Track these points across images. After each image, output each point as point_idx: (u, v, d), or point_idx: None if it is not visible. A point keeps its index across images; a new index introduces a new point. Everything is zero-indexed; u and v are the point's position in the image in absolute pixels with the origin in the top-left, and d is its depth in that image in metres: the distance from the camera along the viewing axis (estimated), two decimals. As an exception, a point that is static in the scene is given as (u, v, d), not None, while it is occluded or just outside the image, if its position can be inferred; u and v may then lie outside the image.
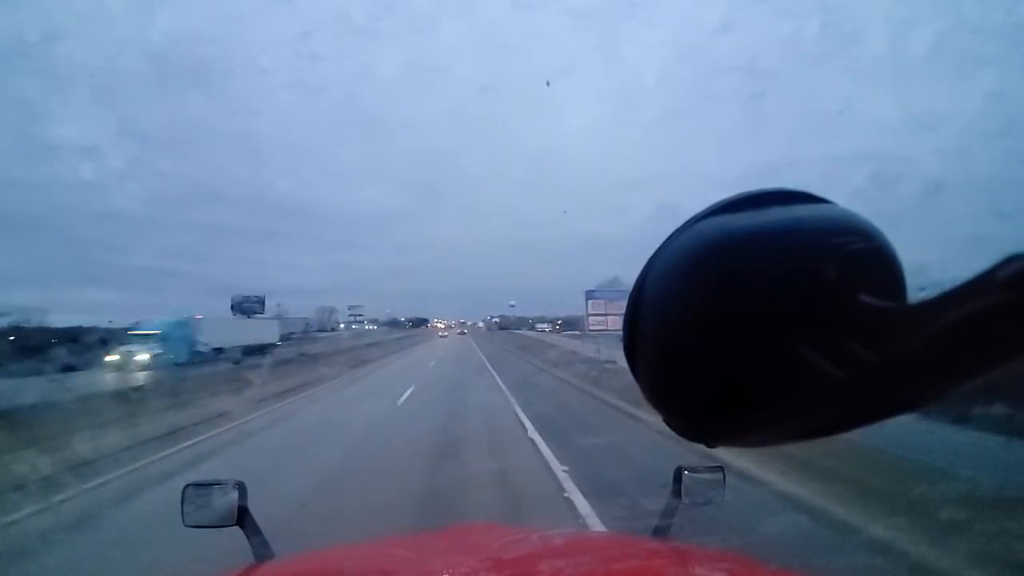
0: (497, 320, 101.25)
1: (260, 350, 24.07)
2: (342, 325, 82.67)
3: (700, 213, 0.32)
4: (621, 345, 0.35)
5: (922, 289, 0.27)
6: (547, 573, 0.95)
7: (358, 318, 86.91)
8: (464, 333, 74.99)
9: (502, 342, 37.19)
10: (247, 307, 49.97)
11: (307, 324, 68.77)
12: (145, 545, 3.24)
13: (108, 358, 16.11)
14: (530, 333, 50.70)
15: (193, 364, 17.23)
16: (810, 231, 0.28)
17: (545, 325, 74.29)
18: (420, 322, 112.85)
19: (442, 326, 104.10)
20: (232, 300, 50.57)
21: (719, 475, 1.19)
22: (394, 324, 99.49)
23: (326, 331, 68.17)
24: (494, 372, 15.16)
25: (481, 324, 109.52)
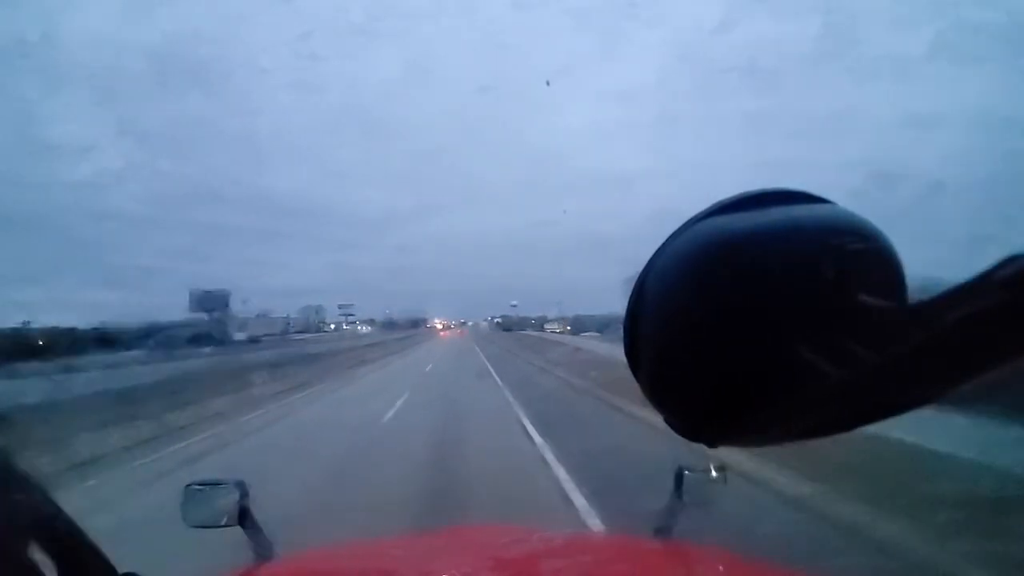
0: (499, 320, 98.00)
1: None
2: (332, 326, 76.47)
3: (700, 213, 0.32)
4: None
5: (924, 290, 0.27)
6: (547, 573, 0.95)
7: (350, 318, 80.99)
8: (464, 332, 74.18)
9: (509, 345, 31.61)
10: (208, 304, 42.82)
11: (287, 325, 63.20)
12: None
13: None
14: (534, 334, 47.11)
15: None
16: (810, 231, 0.28)
17: (555, 325, 69.94)
18: (419, 322, 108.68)
19: (440, 326, 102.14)
20: (190, 295, 42.78)
21: (720, 475, 1.19)
22: (390, 324, 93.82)
23: (310, 332, 62.43)
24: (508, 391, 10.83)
25: (484, 324, 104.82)
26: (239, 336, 40.64)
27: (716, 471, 1.20)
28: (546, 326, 73.94)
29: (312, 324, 71.78)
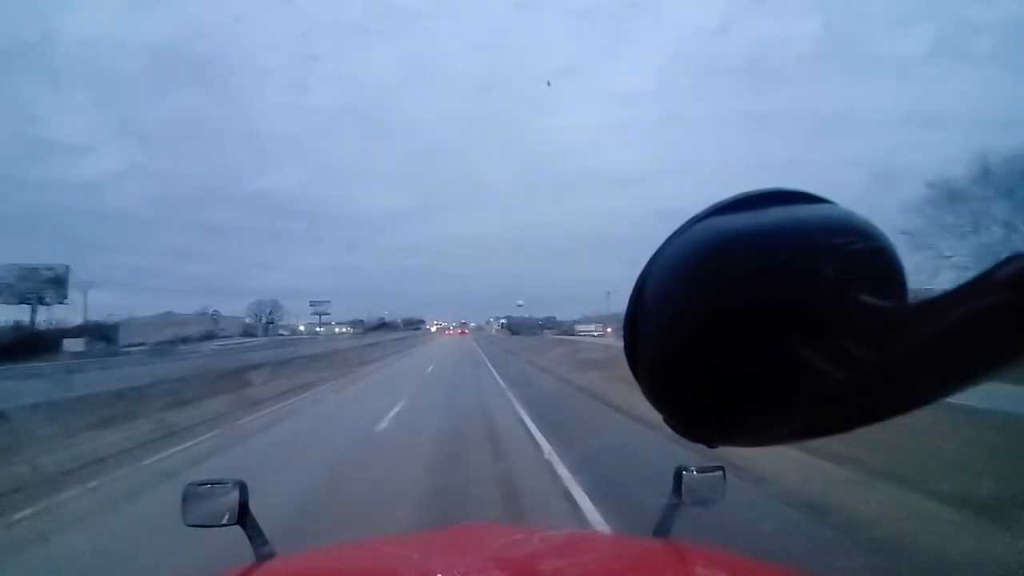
0: (504, 320, 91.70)
1: None
2: (302, 327, 61.69)
3: (700, 213, 0.32)
4: None
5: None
6: (547, 573, 0.95)
7: (324, 317, 65.24)
8: (465, 332, 70.98)
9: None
10: (25, 292, 24.75)
11: (215, 328, 45.75)
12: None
13: None
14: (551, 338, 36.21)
15: None
16: (810, 231, 0.28)
17: (591, 327, 58.12)
18: (416, 323, 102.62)
19: (434, 329, 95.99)
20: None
21: (719, 475, 1.19)
22: (383, 326, 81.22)
23: (255, 336, 47.96)
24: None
25: (493, 326, 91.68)
26: (73, 347, 25.25)
27: (715, 471, 1.20)
28: (579, 328, 61.59)
29: (258, 327, 55.06)
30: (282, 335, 53.90)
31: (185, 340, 36.35)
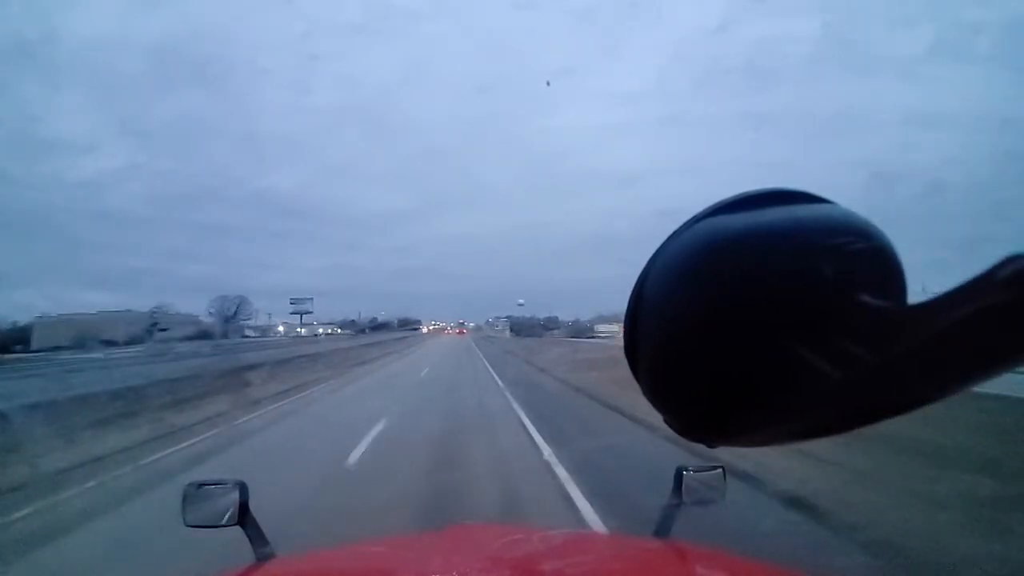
0: (505, 319, 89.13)
1: None
2: (281, 328, 53.40)
3: (700, 213, 0.32)
4: None
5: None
6: (547, 573, 0.95)
7: (305, 316, 56.10)
8: (464, 332, 69.80)
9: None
10: None
11: (152, 327, 38.46)
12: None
13: None
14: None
15: None
16: (810, 231, 0.28)
17: (614, 326, 50.75)
18: (413, 324, 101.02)
19: (426, 331, 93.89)
20: None
21: (719, 475, 1.19)
22: (379, 328, 75.44)
23: (212, 339, 38.84)
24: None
25: (506, 332, 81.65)
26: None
27: (715, 470, 1.20)
28: (599, 328, 56.75)
29: (217, 327, 44.99)
30: (248, 337, 44.24)
31: (109, 343, 32.26)
